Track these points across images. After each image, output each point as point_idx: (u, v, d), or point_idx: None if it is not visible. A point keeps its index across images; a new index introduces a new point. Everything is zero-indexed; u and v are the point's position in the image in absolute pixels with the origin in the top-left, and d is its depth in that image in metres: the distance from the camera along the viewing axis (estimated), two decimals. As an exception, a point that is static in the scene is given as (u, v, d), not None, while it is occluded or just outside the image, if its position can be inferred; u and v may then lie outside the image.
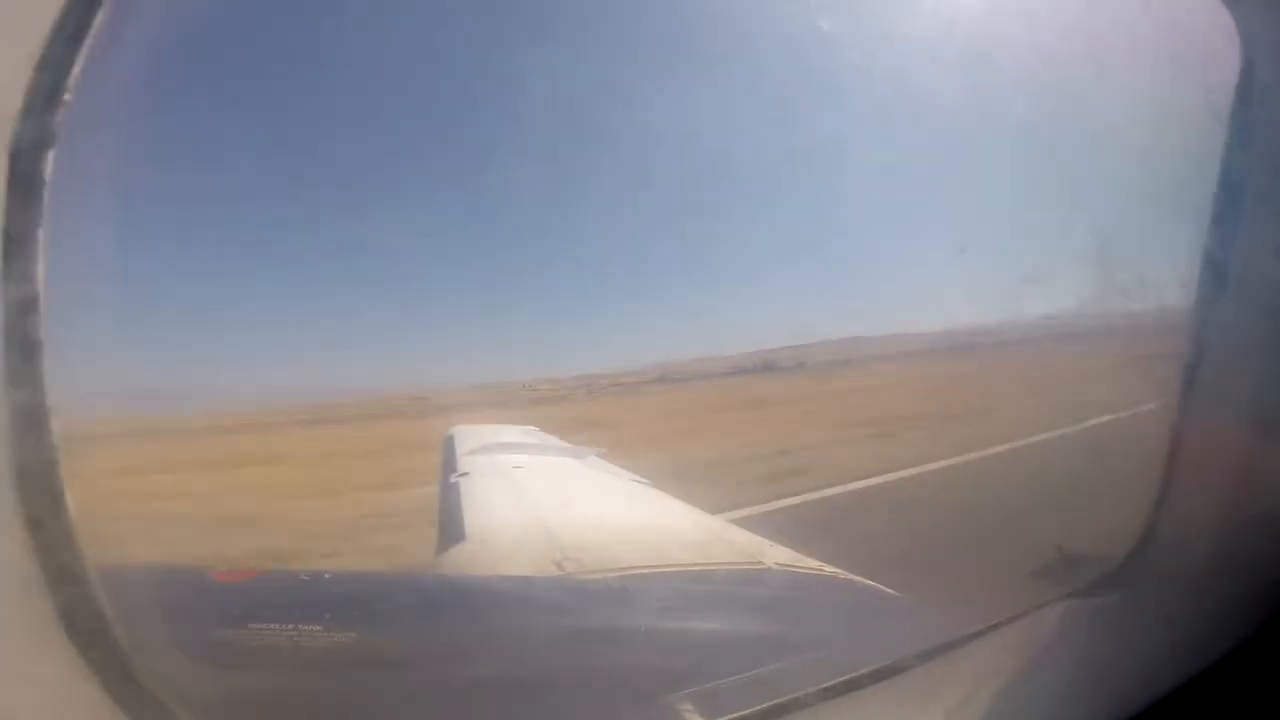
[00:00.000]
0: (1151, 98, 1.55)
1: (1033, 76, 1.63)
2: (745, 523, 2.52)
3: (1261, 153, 1.30)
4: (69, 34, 0.67)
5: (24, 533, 0.68)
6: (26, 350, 0.68)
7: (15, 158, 0.66)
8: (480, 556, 2.12)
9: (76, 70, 0.68)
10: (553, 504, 2.63)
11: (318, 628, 1.41)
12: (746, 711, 1.13)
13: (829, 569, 1.87)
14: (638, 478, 2.94)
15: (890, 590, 1.74)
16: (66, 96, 0.68)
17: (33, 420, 0.68)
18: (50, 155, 0.67)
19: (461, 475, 2.89)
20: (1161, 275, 1.53)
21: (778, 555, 1.99)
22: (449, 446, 3.35)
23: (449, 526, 2.38)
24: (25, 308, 0.68)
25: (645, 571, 1.85)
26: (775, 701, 1.13)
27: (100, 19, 0.69)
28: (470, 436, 3.51)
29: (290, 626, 1.39)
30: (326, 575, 1.85)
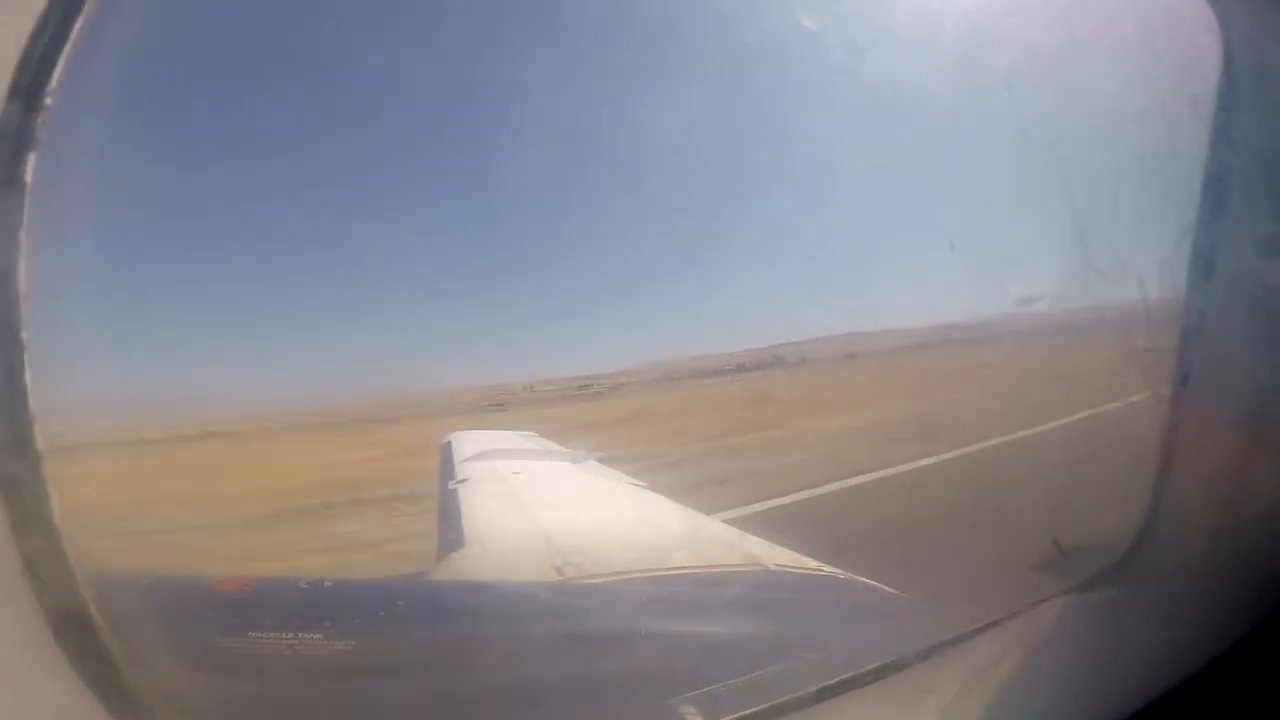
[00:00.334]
0: (1137, 93, 1.57)
1: (1021, 74, 1.64)
2: (742, 522, 2.52)
3: (1246, 146, 1.31)
4: (50, 37, 0.67)
5: (11, 542, 0.68)
6: (9, 356, 0.67)
7: None
8: (480, 562, 2.11)
9: (58, 73, 0.68)
10: (551, 509, 2.62)
11: (317, 636, 1.40)
12: (747, 712, 1.12)
13: (828, 569, 1.86)
14: (636, 481, 2.94)
15: (889, 589, 1.74)
16: (48, 100, 0.67)
17: (16, 428, 0.68)
18: (32, 158, 0.67)
19: (460, 482, 2.88)
20: (1156, 269, 1.54)
21: (777, 556, 1.99)
22: (446, 453, 3.34)
23: (448, 533, 2.37)
24: (7, 312, 0.67)
25: (644, 575, 1.85)
26: (776, 702, 1.13)
27: (81, 22, 0.69)
28: (468, 443, 3.50)
29: (289, 635, 1.38)
30: (326, 583, 1.84)
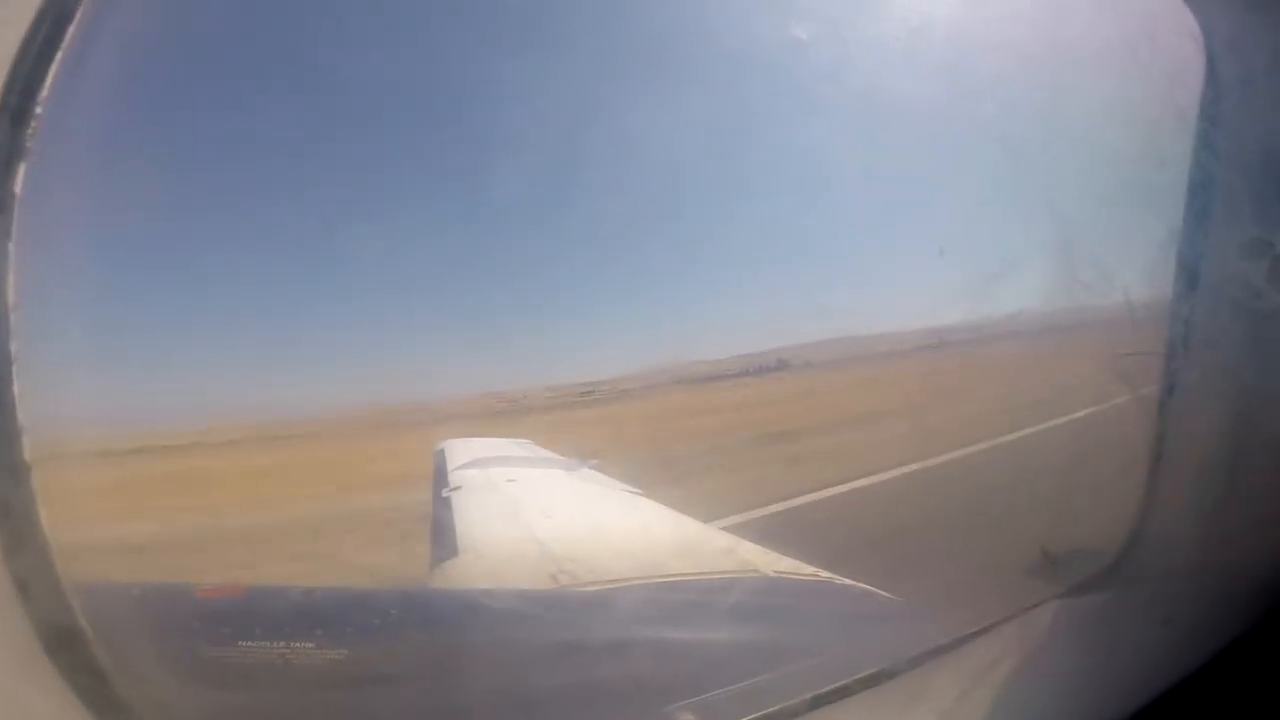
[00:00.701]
0: (1120, 99, 1.59)
1: (1005, 81, 1.66)
2: (739, 529, 2.52)
3: (1228, 151, 1.33)
4: (40, 47, 0.67)
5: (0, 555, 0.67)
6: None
7: None
8: (474, 570, 2.10)
9: (48, 84, 0.68)
10: (546, 517, 2.61)
11: (309, 645, 1.39)
12: (742, 720, 1.12)
13: (824, 574, 1.86)
14: (630, 488, 2.93)
15: (884, 593, 1.74)
16: (38, 110, 0.67)
17: (4, 441, 0.68)
18: (21, 169, 0.67)
19: (454, 490, 2.87)
20: (1146, 273, 1.55)
21: (773, 562, 1.99)
22: (440, 460, 3.33)
23: (441, 541, 2.36)
24: None
25: (639, 582, 1.85)
26: (770, 709, 1.12)
27: (72, 31, 0.69)
28: (461, 450, 3.49)
29: (280, 643, 1.37)
30: (316, 591, 1.83)
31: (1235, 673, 1.18)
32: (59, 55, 0.68)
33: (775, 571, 1.92)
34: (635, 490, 2.86)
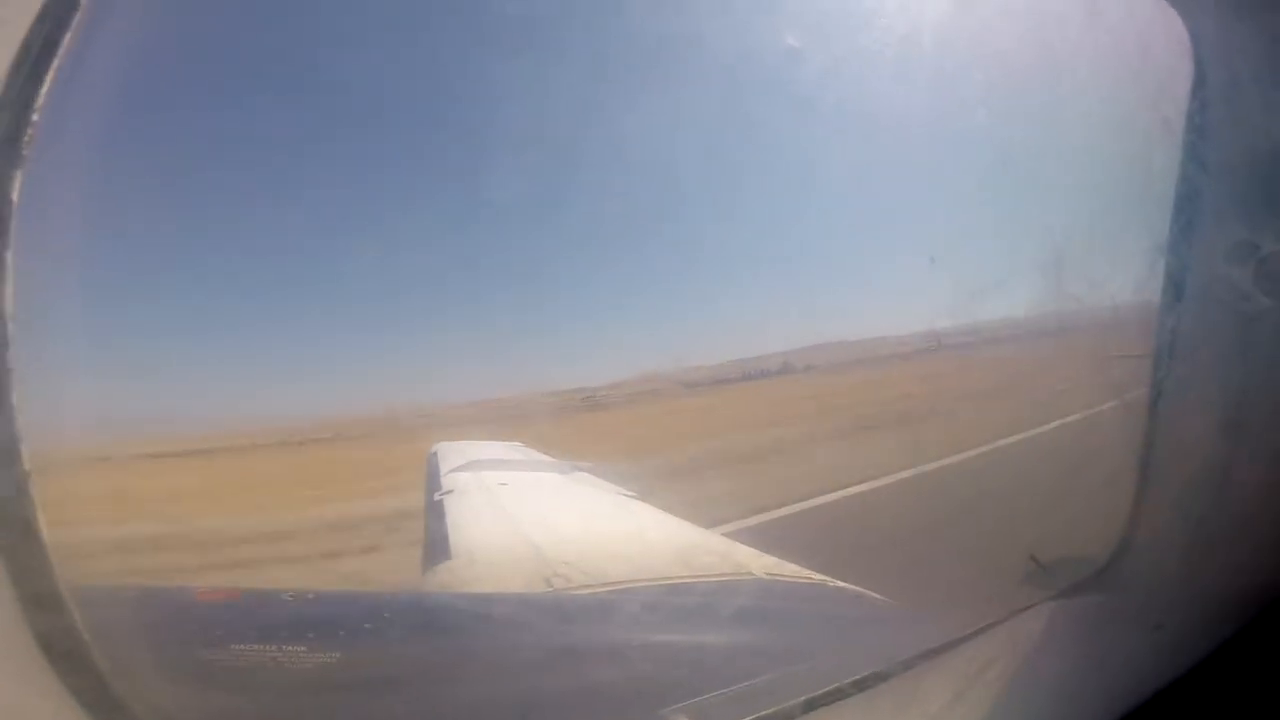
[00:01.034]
0: (1107, 107, 1.60)
1: (996, 89, 1.67)
2: (732, 533, 2.52)
3: (1214, 157, 1.34)
4: (36, 54, 0.66)
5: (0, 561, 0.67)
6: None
7: None
8: (467, 574, 2.10)
9: (45, 89, 0.67)
10: (539, 520, 2.61)
11: (301, 648, 1.39)
12: (738, 724, 1.12)
13: (817, 577, 1.87)
14: (624, 491, 2.93)
15: (877, 596, 1.75)
16: (35, 117, 0.67)
17: (3, 447, 0.67)
18: (18, 176, 0.67)
19: (446, 493, 2.86)
20: (1135, 278, 1.57)
21: (765, 565, 1.99)
22: (432, 464, 3.32)
23: (434, 544, 2.35)
24: None
25: (633, 586, 1.85)
26: (765, 712, 1.13)
27: (68, 38, 0.68)
28: (454, 453, 3.48)
29: (273, 647, 1.37)
30: (310, 595, 1.82)
31: (1223, 676, 1.19)
32: (55, 61, 0.68)
33: (769, 575, 1.92)
34: (629, 493, 2.86)
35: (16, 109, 0.67)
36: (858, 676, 1.16)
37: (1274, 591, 1.21)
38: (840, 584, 1.81)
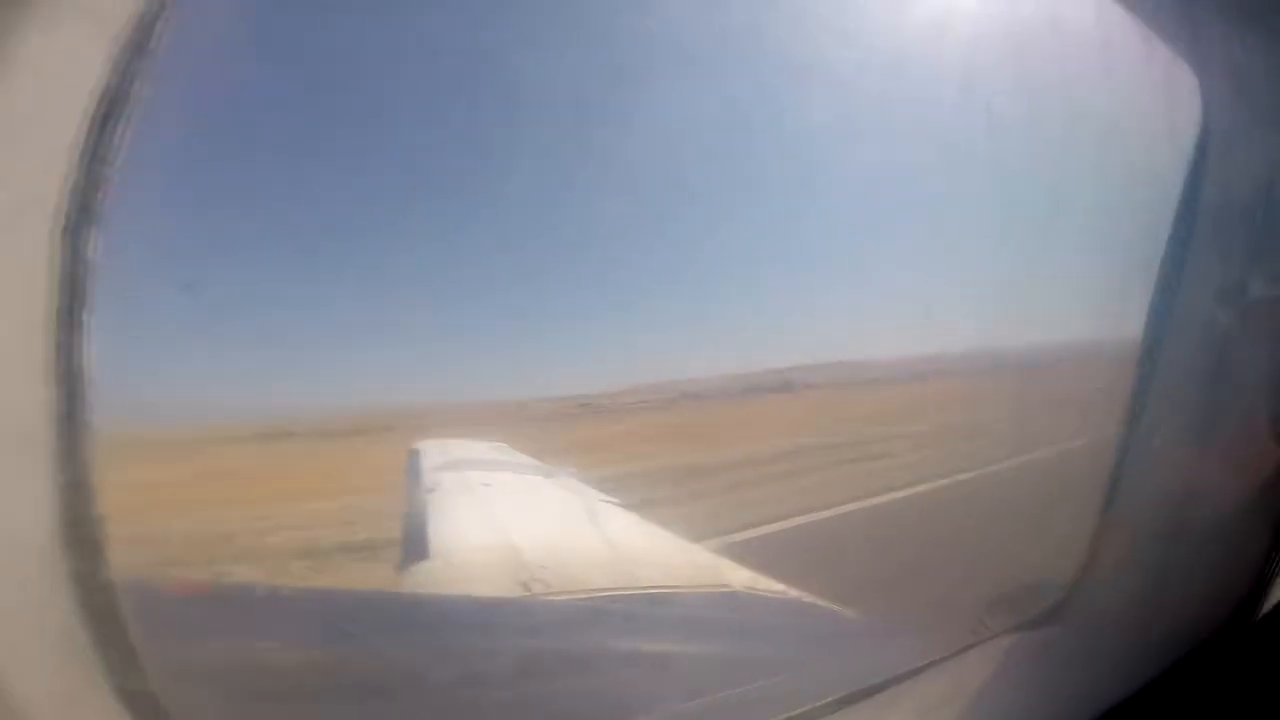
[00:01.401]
0: (1109, 125, 1.61)
1: (996, 105, 1.68)
2: (711, 548, 2.53)
3: (1216, 185, 1.37)
4: (109, 107, 0.66)
5: (58, 548, 0.66)
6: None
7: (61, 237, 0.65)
8: (444, 575, 2.09)
9: (118, 145, 0.67)
10: (520, 523, 2.60)
11: (274, 644, 1.38)
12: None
13: (792, 592, 1.89)
14: (607, 497, 2.94)
15: (850, 614, 1.77)
16: (109, 173, 0.67)
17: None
18: (94, 233, 0.67)
19: (428, 492, 2.85)
20: (1103, 310, 1.59)
21: (742, 579, 2.01)
22: (414, 463, 3.30)
23: (413, 544, 2.34)
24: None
25: (612, 593, 1.86)
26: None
27: (140, 90, 0.68)
28: (436, 453, 3.46)
29: (243, 643, 1.35)
30: (284, 591, 1.80)
31: (1178, 701, 1.23)
32: (128, 116, 0.68)
33: (745, 588, 1.94)
34: (612, 500, 2.87)
35: (91, 164, 0.67)
36: (827, 700, 1.18)
37: (1220, 620, 1.25)
38: (815, 600, 1.83)
